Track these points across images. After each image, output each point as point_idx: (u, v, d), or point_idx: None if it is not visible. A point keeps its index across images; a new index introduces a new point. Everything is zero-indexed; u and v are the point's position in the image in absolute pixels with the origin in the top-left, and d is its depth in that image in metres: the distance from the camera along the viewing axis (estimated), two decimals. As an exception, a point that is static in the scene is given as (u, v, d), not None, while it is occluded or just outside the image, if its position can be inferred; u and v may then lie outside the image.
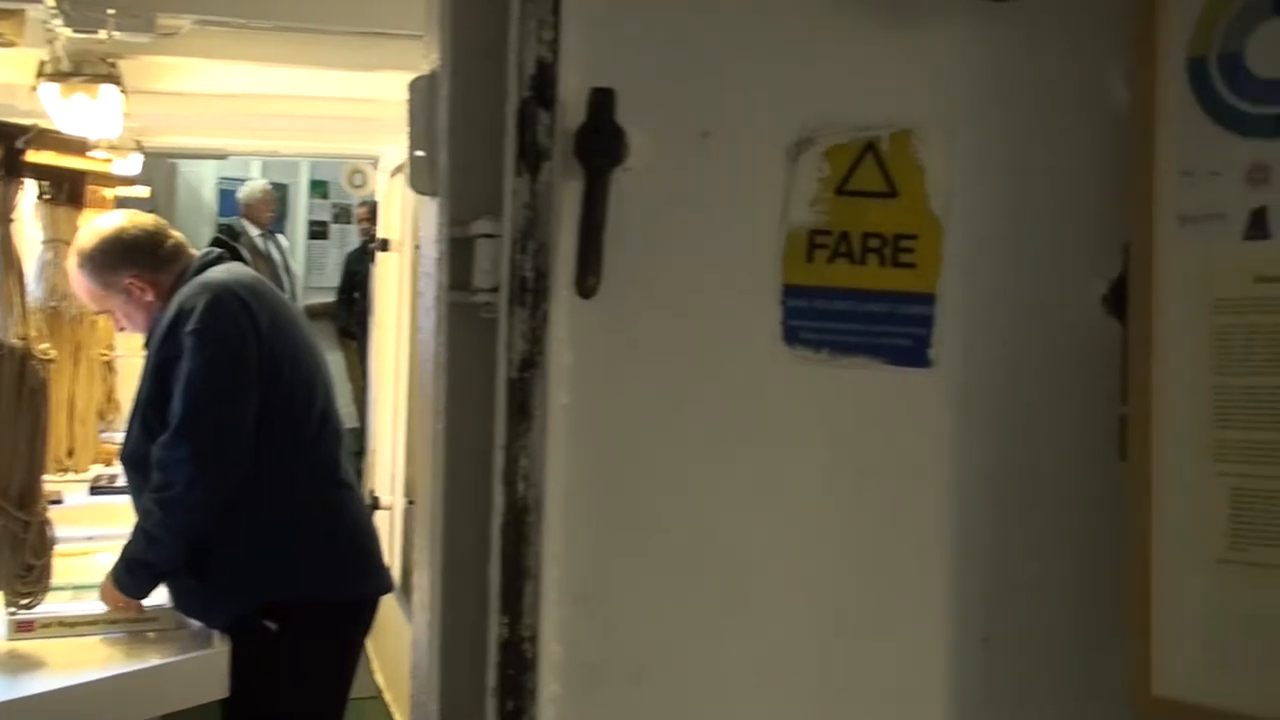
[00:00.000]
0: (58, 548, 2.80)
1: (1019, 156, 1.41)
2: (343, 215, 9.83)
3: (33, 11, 2.91)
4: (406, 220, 5.21)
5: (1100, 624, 1.36)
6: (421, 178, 1.61)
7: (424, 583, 1.60)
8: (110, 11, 2.86)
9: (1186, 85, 1.27)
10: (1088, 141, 1.38)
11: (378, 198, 6.10)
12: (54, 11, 2.82)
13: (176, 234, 3.12)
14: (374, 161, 6.00)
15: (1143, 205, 1.28)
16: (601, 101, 1.47)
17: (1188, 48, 1.27)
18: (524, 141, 1.49)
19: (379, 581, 3.11)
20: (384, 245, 5.42)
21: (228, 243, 3.18)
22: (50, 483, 3.10)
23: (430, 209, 1.63)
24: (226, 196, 9.19)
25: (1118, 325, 1.33)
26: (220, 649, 2.83)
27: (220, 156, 8.28)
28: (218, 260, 3.00)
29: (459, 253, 1.57)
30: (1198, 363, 1.26)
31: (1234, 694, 1.23)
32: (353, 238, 9.19)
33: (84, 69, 3.25)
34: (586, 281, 1.46)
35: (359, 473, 5.18)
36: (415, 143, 1.61)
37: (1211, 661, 1.24)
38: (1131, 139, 1.29)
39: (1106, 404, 1.36)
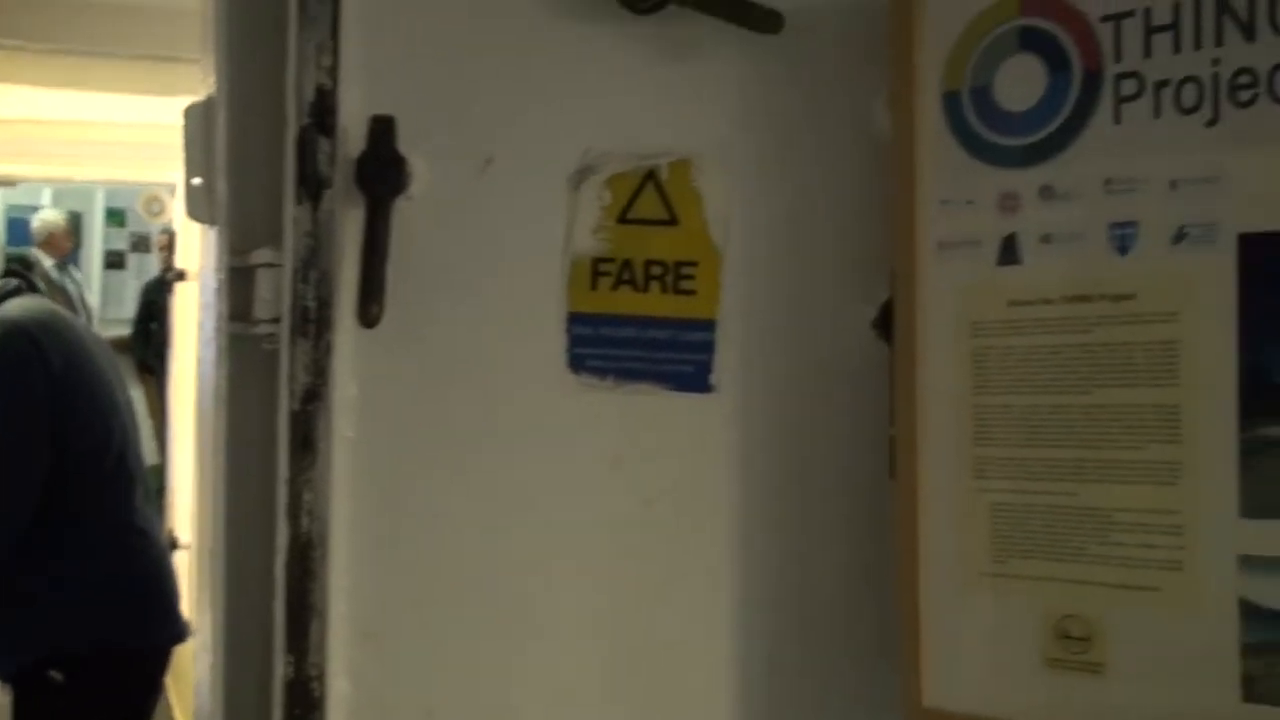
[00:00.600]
0: None
1: (792, 185, 1.45)
2: (141, 244, 9.49)
3: None
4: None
5: (876, 638, 1.39)
6: (199, 206, 1.57)
7: (206, 623, 1.55)
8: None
9: (942, 118, 1.33)
10: (856, 170, 1.43)
11: (176, 226, 5.91)
12: None
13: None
14: (171, 189, 5.82)
15: (904, 232, 1.34)
16: (382, 129, 1.46)
17: (942, 82, 1.33)
18: (304, 169, 1.47)
19: (173, 629, 3.00)
20: (181, 275, 5.26)
21: (22, 274, 3.03)
22: None
23: (209, 238, 1.59)
24: (17, 226, 8.77)
25: (887, 348, 1.38)
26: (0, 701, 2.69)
27: (8, 184, 7.91)
28: (15, 292, 2.86)
29: (239, 283, 1.53)
30: (958, 383, 1.31)
31: (998, 702, 1.28)
32: (152, 268, 8.88)
33: None
34: (370, 311, 1.45)
35: (161, 511, 4.99)
36: (191, 170, 1.58)
37: (977, 672, 1.29)
38: (893, 169, 1.35)
39: (878, 425, 1.40)
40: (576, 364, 1.48)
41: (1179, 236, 1.19)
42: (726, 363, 1.46)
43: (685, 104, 1.47)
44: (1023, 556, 1.27)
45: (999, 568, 1.29)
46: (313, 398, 1.48)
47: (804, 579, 1.46)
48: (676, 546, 1.47)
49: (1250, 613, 1.15)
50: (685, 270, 1.47)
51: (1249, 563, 1.15)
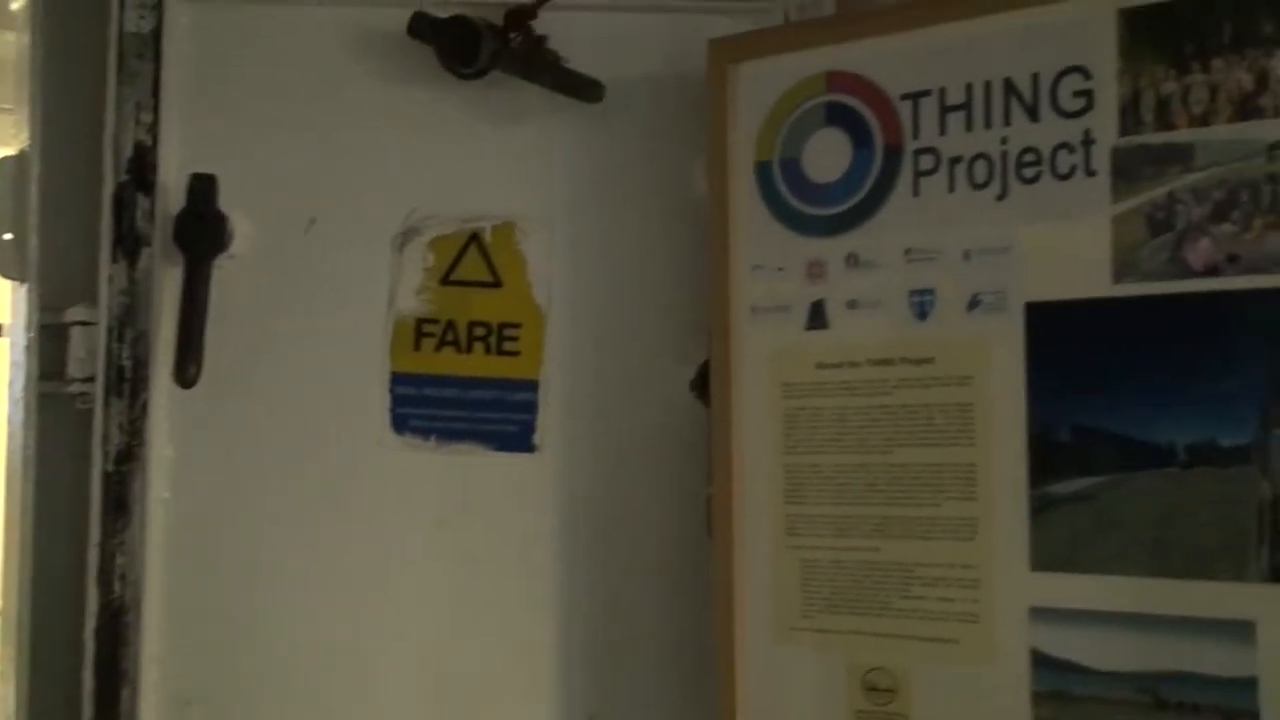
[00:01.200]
0: None
1: (614, 248, 1.49)
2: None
3: None
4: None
5: (694, 692, 1.42)
6: (9, 262, 1.53)
7: (9, 693, 1.49)
8: None
9: (754, 187, 1.38)
10: (675, 235, 1.47)
11: None
12: None
13: None
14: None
15: (720, 297, 1.38)
16: (203, 187, 1.45)
17: (755, 153, 1.38)
18: (121, 226, 1.45)
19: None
20: None
21: None
22: None
23: (20, 295, 1.55)
24: None
25: (704, 409, 1.41)
26: None
27: None
28: None
29: (52, 340, 1.50)
30: (771, 443, 1.35)
31: (810, 752, 1.31)
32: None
33: None
34: (187, 371, 1.43)
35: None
36: (2, 225, 1.54)
37: (789, 723, 1.32)
38: (709, 235, 1.39)
39: (697, 484, 1.43)
40: (399, 424, 1.48)
41: (973, 304, 1.26)
42: (549, 423, 1.48)
43: (510, 168, 1.50)
44: (832, 611, 1.31)
45: (809, 622, 1.33)
46: (127, 458, 1.46)
47: (625, 636, 1.48)
48: (499, 605, 1.47)
49: (1040, 662, 1.21)
50: (509, 331, 1.49)
51: (1038, 614, 1.21)
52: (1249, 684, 1.12)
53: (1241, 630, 1.12)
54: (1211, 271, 1.15)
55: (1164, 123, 1.18)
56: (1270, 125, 1.14)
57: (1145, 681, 1.16)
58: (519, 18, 1.44)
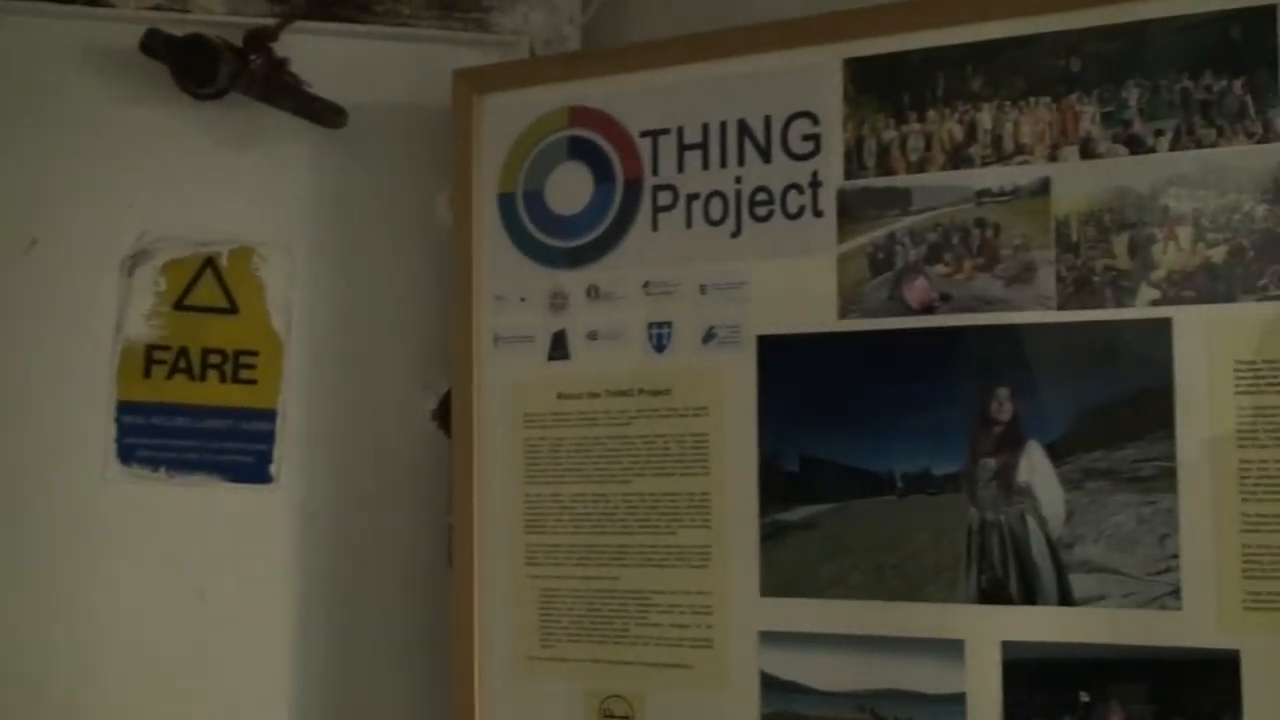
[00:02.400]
0: None
1: (357, 276, 1.46)
2: None
3: None
4: None
5: (435, 727, 1.40)
6: None
7: None
8: None
9: (498, 218, 1.39)
10: (420, 263, 1.46)
11: None
12: None
13: None
14: None
15: (463, 326, 1.38)
16: (-92, 203, 1.35)
17: (499, 184, 1.39)
18: None
19: None
20: None
21: None
22: None
23: None
24: None
25: (446, 438, 1.41)
26: None
27: None
28: None
29: None
30: (512, 473, 1.35)
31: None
32: None
33: None
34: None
35: None
36: None
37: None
38: (452, 264, 1.38)
39: (438, 514, 1.42)
40: (125, 455, 1.42)
41: (708, 336, 1.29)
42: (287, 453, 1.44)
43: (248, 192, 1.46)
44: (571, 640, 1.32)
45: (549, 651, 1.33)
46: None
47: (363, 668, 1.45)
48: (232, 642, 1.42)
49: (768, 684, 1.25)
50: (245, 359, 1.45)
51: (767, 638, 1.25)
52: (959, 700, 1.18)
53: (953, 649, 1.19)
54: (926, 309, 1.22)
55: (884, 168, 1.24)
56: (978, 174, 1.21)
57: (865, 700, 1.21)
58: (259, 39, 1.41)
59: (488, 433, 1.36)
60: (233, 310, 1.44)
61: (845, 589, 1.22)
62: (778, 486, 1.25)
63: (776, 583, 1.25)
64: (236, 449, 1.43)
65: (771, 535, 1.25)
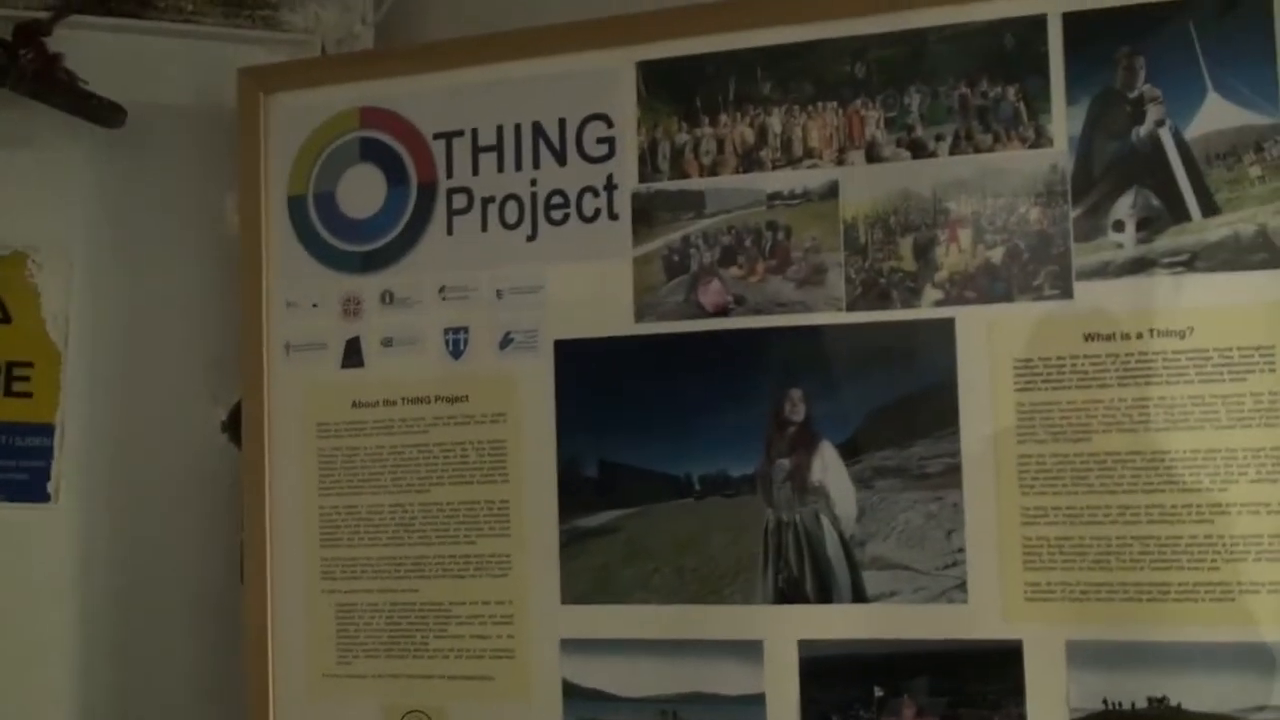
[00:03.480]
0: None
1: (141, 283, 1.40)
2: None
3: None
4: None
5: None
6: None
7: None
8: None
9: (287, 222, 1.34)
10: (207, 270, 1.40)
11: None
12: None
13: None
14: None
15: (252, 334, 1.33)
16: None
17: (289, 187, 1.35)
18: None
19: None
20: None
21: None
22: None
23: None
24: None
25: (237, 451, 1.35)
26: None
27: None
28: None
29: None
30: (305, 485, 1.31)
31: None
32: None
33: None
34: None
35: None
36: None
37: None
38: (240, 270, 1.33)
39: (229, 530, 1.37)
40: (-116, 476, 1.32)
41: (505, 342, 1.27)
42: (66, 469, 1.37)
43: (20, 195, 1.38)
44: (367, 655, 1.29)
45: (344, 668, 1.29)
46: None
47: (151, 692, 1.38)
48: (10, 667, 1.34)
49: (571, 693, 1.23)
50: (19, 371, 1.37)
51: (568, 646, 1.24)
52: (759, 700, 1.19)
53: (752, 649, 1.19)
54: (721, 312, 1.22)
55: (678, 171, 1.24)
56: (769, 177, 1.22)
57: (668, 705, 1.21)
58: (30, 33, 1.33)
59: (280, 444, 1.32)
60: (5, 319, 1.36)
61: (646, 593, 1.22)
62: (577, 492, 1.24)
63: (577, 590, 1.23)
64: (10, 466, 1.35)
65: (571, 541, 1.24)
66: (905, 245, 1.18)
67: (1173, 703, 1.11)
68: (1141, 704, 1.12)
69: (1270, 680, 1.09)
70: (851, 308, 1.19)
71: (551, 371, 1.26)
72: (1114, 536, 1.13)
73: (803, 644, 1.18)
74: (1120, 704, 1.12)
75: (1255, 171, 1.11)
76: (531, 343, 1.26)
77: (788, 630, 1.19)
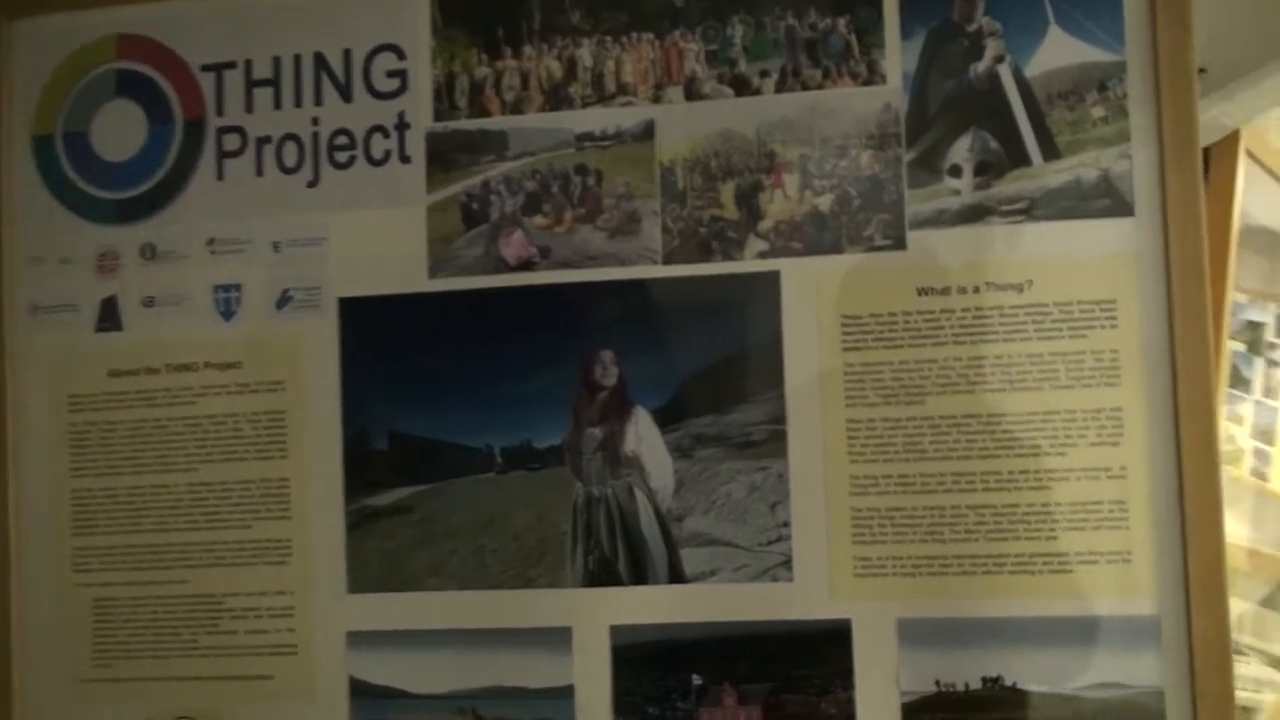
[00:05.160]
0: None
1: None
2: None
3: None
4: None
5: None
6: None
7: None
8: None
9: (33, 166, 1.18)
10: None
11: None
12: None
13: None
14: None
15: (-9, 293, 1.16)
16: None
17: (33, 125, 1.18)
18: None
19: None
20: None
21: None
22: None
23: None
24: None
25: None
26: None
27: None
28: None
29: None
30: (55, 465, 1.16)
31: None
32: None
33: None
34: None
35: None
36: None
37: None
38: (-24, 220, 1.17)
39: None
40: None
41: (283, 300, 1.13)
42: None
43: None
44: (128, 657, 1.14)
45: (102, 672, 1.14)
46: None
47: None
48: None
49: (359, 691, 1.10)
50: None
51: (357, 640, 1.11)
52: (567, 693, 1.08)
53: (560, 637, 1.08)
54: (525, 266, 1.10)
55: (478, 108, 1.12)
56: (579, 116, 1.10)
57: (467, 701, 1.09)
58: None
59: (24, 419, 1.16)
60: None
61: (443, 579, 1.09)
62: (365, 468, 1.11)
63: (366, 577, 1.10)
64: None
65: (359, 523, 1.11)
66: (727, 192, 1.08)
67: (1008, 682, 1.04)
68: (975, 684, 1.04)
69: (1108, 655, 1.02)
70: (668, 260, 1.08)
71: (336, 334, 1.12)
72: (948, 506, 1.04)
73: (615, 630, 1.08)
74: (953, 685, 1.04)
75: (1098, 112, 1.03)
76: (313, 301, 1.12)
77: (599, 615, 1.08)
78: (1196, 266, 1.01)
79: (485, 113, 1.11)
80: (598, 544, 1.08)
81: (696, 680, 1.07)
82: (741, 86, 1.08)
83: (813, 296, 1.06)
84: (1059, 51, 1.04)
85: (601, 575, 1.08)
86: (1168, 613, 1.01)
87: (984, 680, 1.04)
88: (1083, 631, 1.03)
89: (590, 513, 1.09)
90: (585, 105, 1.10)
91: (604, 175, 1.09)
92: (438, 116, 1.12)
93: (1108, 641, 1.02)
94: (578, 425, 1.09)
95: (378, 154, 1.13)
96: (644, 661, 1.08)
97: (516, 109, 1.11)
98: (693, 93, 1.09)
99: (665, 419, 1.08)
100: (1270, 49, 1.56)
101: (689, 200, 1.08)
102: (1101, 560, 1.03)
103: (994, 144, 1.04)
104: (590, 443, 1.09)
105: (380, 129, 1.13)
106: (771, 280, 1.07)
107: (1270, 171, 1.73)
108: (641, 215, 1.08)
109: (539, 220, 1.10)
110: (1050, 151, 1.04)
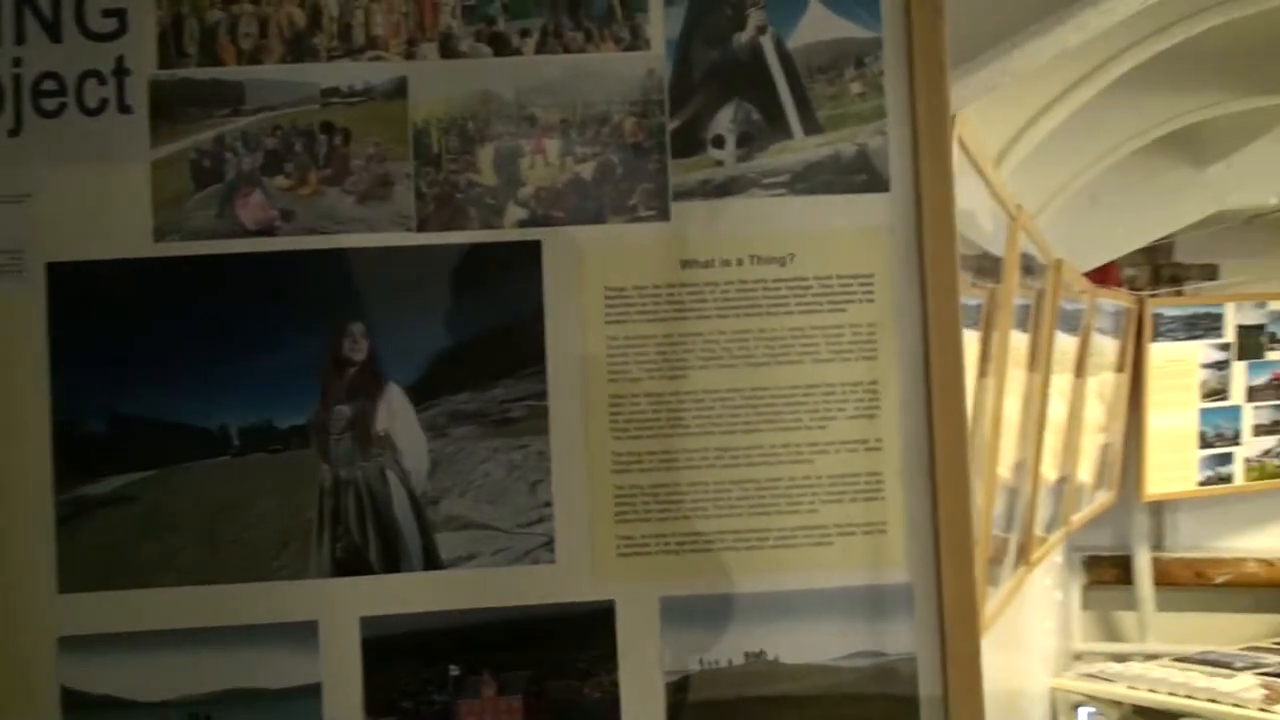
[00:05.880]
0: None
1: None
2: None
3: None
4: None
5: None
6: None
7: None
8: None
9: None
10: None
11: None
12: None
13: None
14: None
15: None
16: None
17: None
18: None
19: None
20: None
21: None
22: None
23: None
24: None
25: None
26: None
27: None
28: None
29: None
30: None
31: None
32: None
33: None
34: None
35: None
36: None
37: None
38: None
39: None
40: None
41: (-21, 264, 0.99)
42: None
43: None
44: None
45: None
46: None
47: None
48: None
49: (73, 702, 0.99)
50: None
51: (69, 645, 0.99)
52: (313, 692, 1.00)
53: (304, 633, 1.00)
54: (265, 230, 1.01)
55: (210, 56, 1.02)
56: (324, 69, 1.03)
57: (199, 707, 1.00)
58: None
59: None
60: None
61: (171, 574, 0.99)
62: (80, 454, 0.99)
63: (81, 574, 0.99)
64: None
65: (73, 515, 0.99)
66: (485, 156, 1.02)
67: (770, 656, 1.03)
68: (739, 660, 1.03)
69: (866, 625, 1.03)
70: (422, 227, 1.02)
71: (43, 303, 1.00)
72: (711, 482, 1.03)
73: (366, 622, 1.01)
74: (717, 662, 1.03)
75: (856, 88, 1.04)
76: (15, 266, 1.00)
77: (348, 607, 1.01)
78: (948, 243, 1.03)
79: (219, 61, 1.02)
80: (346, 530, 1.01)
81: (454, 671, 1.02)
82: (500, 45, 1.03)
83: (575, 268, 1.02)
84: (819, 26, 1.04)
85: (350, 564, 1.01)
86: (920, 581, 1.03)
87: (746, 655, 1.03)
88: (842, 602, 1.04)
89: (338, 497, 1.01)
90: (331, 58, 1.02)
91: (352, 134, 1.02)
92: (163, 63, 1.02)
93: (865, 611, 1.03)
94: (324, 403, 1.01)
95: (92, 102, 1.01)
96: (398, 654, 1.01)
97: (254, 59, 1.02)
98: (448, 50, 1.03)
99: (419, 395, 1.02)
100: (981, 42, 1.64)
101: (444, 163, 1.02)
102: (859, 531, 1.04)
103: (756, 115, 1.04)
104: (338, 421, 1.01)
105: (95, 74, 1.01)
106: (532, 250, 1.02)
107: (974, 162, 1.82)
108: (393, 178, 1.02)
109: (280, 181, 1.01)
110: (811, 125, 1.04)
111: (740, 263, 1.03)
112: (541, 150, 1.03)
